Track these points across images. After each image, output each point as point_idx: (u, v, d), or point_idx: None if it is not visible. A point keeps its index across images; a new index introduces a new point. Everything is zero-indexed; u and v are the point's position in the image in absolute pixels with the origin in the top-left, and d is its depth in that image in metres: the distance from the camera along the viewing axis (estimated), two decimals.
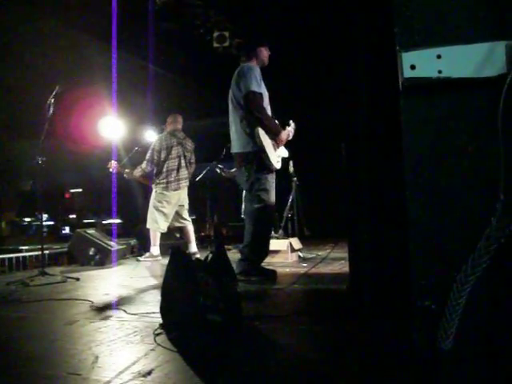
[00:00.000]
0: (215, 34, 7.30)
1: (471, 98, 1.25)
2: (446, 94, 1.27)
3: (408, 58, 1.28)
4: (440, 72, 1.26)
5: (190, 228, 7.36)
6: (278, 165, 4.60)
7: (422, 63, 1.27)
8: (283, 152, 4.78)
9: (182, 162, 7.23)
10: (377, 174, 2.32)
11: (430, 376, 1.25)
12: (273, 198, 4.54)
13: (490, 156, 1.23)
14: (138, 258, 7.14)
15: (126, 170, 7.19)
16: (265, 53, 4.77)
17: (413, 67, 1.28)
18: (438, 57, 1.26)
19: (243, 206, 4.74)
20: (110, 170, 7.01)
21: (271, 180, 4.55)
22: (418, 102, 1.29)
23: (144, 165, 7.14)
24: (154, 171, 7.18)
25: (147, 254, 7.00)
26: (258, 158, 4.41)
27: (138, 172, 7.16)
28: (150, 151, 7.17)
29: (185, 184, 7.29)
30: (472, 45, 1.24)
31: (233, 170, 6.73)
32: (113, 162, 7.03)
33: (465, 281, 1.18)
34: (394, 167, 1.65)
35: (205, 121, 9.68)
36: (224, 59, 6.99)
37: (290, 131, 4.83)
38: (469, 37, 1.25)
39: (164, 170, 7.11)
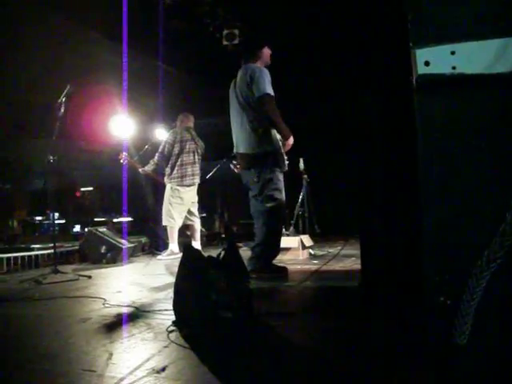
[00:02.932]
0: (224, 32, 7.29)
1: (485, 94, 1.25)
2: (460, 90, 1.27)
3: (422, 54, 1.28)
4: (454, 68, 1.26)
5: (197, 226, 7.31)
6: (286, 166, 4.62)
7: (436, 59, 1.27)
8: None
9: (196, 157, 7.16)
10: (390, 170, 2.32)
11: (445, 372, 1.25)
12: (284, 197, 4.56)
13: (504, 152, 1.22)
14: (158, 256, 7.07)
15: (139, 166, 7.15)
16: (267, 53, 4.79)
17: (427, 63, 1.27)
18: (452, 53, 1.26)
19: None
20: (121, 161, 6.98)
21: (282, 179, 4.57)
22: (432, 98, 1.28)
23: (156, 157, 7.04)
24: (167, 165, 7.08)
25: (167, 252, 6.92)
26: (273, 158, 4.42)
27: (150, 166, 7.06)
28: (162, 144, 7.07)
29: (197, 181, 7.21)
30: (486, 41, 1.24)
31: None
32: (124, 153, 6.98)
33: (480, 276, 1.18)
34: (407, 162, 1.65)
35: (215, 119, 9.68)
36: (234, 57, 6.99)
37: None
38: (483, 33, 1.24)
39: (178, 163, 7.00)
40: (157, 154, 7.07)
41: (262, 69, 4.53)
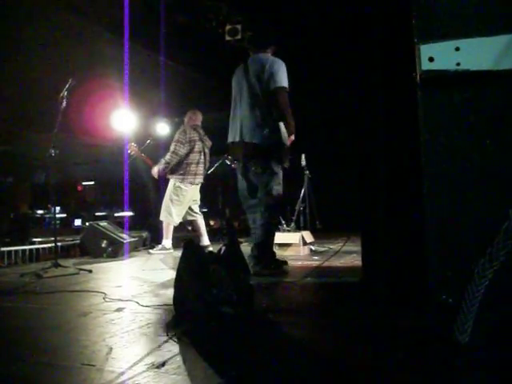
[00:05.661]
0: (227, 28, 7.26)
1: (489, 91, 1.24)
2: (465, 86, 1.25)
3: (426, 50, 1.26)
4: (458, 64, 1.24)
5: (201, 221, 7.33)
6: (288, 162, 4.61)
7: (440, 56, 1.25)
8: None
9: (202, 157, 7.20)
10: (393, 166, 2.31)
11: (446, 368, 1.25)
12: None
13: (508, 148, 1.21)
14: (150, 250, 7.12)
15: (143, 154, 7.19)
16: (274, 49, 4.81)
17: (431, 59, 1.26)
18: (457, 49, 1.24)
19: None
20: (130, 152, 7.01)
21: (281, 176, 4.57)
22: (436, 94, 1.27)
23: (168, 157, 6.98)
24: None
25: (159, 247, 6.97)
26: (278, 151, 4.41)
27: (161, 165, 7.03)
28: (174, 143, 7.03)
29: (200, 180, 7.25)
30: (491, 37, 1.22)
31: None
32: (133, 144, 7.02)
33: (482, 274, 1.17)
34: (411, 157, 1.64)
35: (216, 114, 9.67)
36: (236, 52, 6.96)
37: None
38: (488, 29, 1.23)
39: (184, 162, 7.03)
40: (169, 154, 7.01)
41: (281, 61, 4.53)
